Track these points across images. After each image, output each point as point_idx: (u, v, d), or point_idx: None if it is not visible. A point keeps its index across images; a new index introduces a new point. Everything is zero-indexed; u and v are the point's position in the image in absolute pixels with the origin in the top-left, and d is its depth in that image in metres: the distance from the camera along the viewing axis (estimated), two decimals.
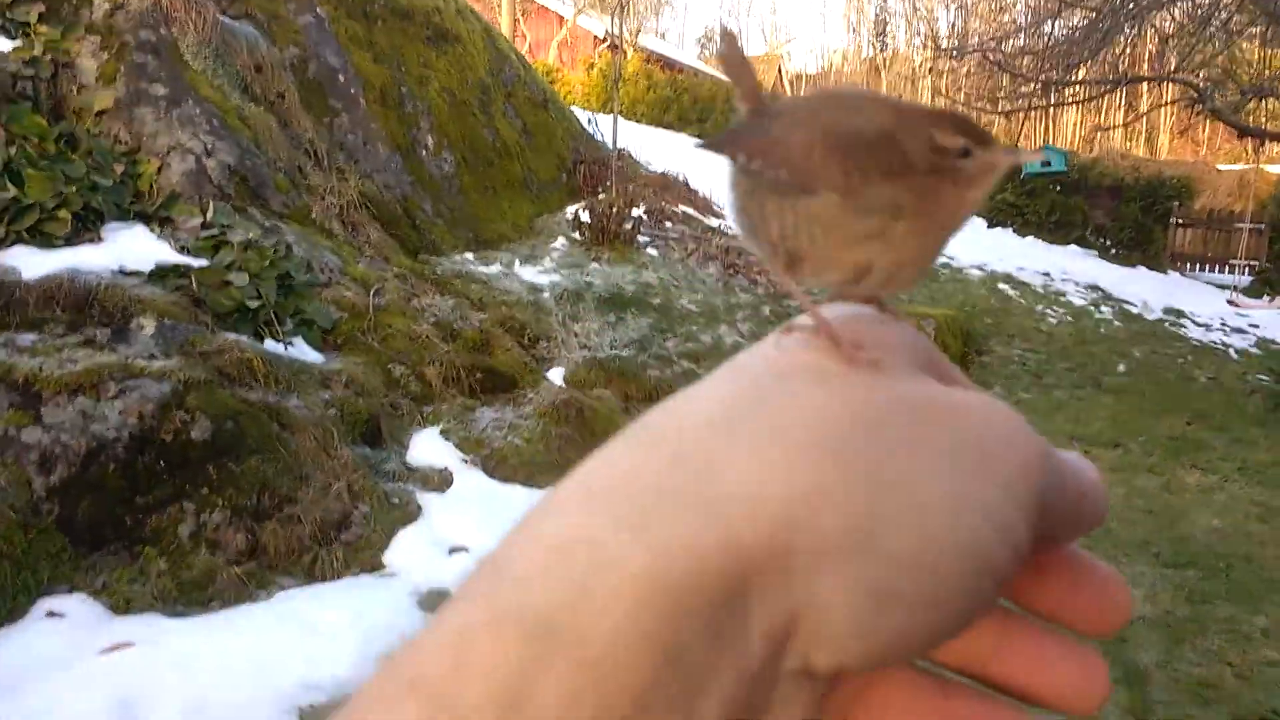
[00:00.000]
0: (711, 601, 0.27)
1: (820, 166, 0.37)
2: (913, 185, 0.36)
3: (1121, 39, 12.16)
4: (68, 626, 3.41)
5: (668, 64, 27.44)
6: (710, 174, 14.19)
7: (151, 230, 5.32)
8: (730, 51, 0.45)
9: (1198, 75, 12.69)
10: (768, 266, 0.42)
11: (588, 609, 0.27)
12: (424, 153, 8.24)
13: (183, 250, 5.24)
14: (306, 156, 6.74)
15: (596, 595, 0.27)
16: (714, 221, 11.93)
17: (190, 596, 3.73)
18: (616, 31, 16.30)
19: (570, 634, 0.26)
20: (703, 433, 0.31)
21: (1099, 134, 21.96)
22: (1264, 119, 14.36)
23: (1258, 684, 3.87)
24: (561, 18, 28.39)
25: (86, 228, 5.11)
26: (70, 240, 4.95)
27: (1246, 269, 16.13)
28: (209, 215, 5.51)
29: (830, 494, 0.29)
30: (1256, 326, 13.04)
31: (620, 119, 11.86)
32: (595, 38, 26.30)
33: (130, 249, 5.08)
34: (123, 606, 3.57)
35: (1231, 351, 11.82)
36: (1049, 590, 0.37)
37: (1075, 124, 23.22)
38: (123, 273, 4.84)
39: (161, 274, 4.93)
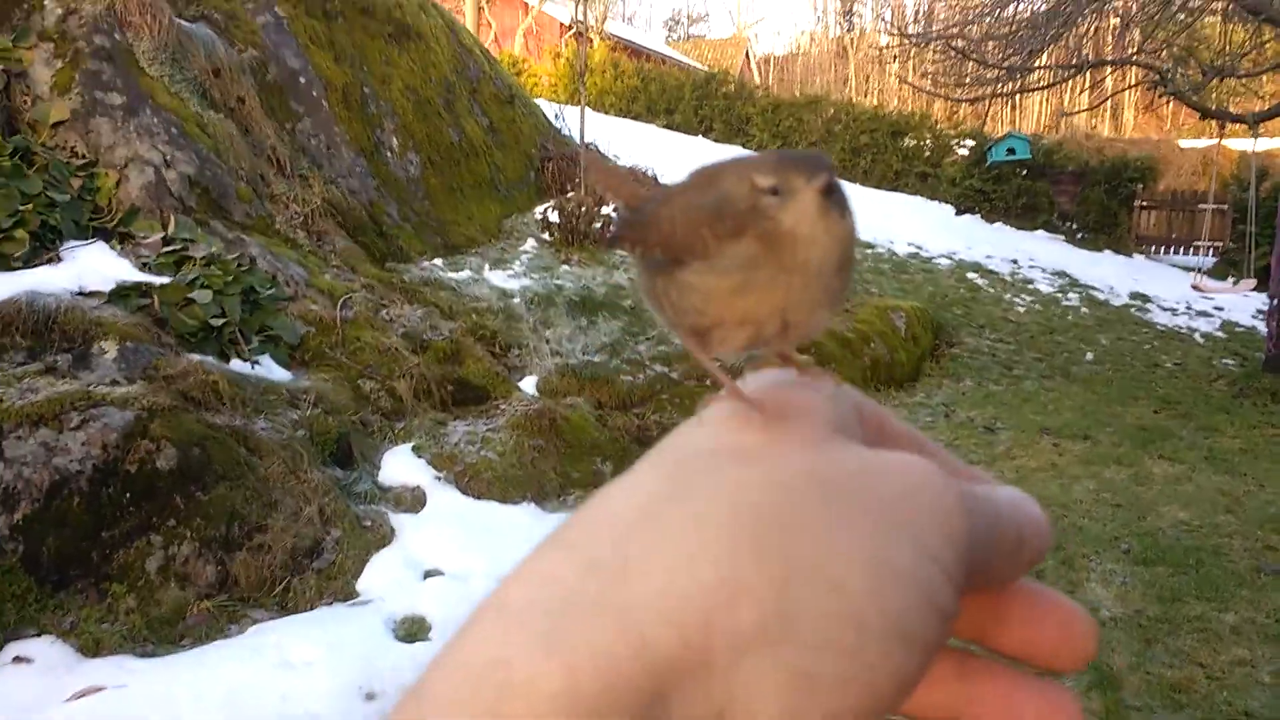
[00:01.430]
0: (630, 713, 0.27)
1: (682, 239, 0.39)
2: (756, 234, 0.37)
3: (1083, 22, 12.23)
4: (36, 671, 3.34)
5: (635, 51, 27.29)
6: (680, 167, 14.16)
7: (112, 247, 5.20)
8: (597, 168, 0.49)
9: (1160, 56, 12.79)
10: (683, 343, 0.44)
11: None
12: (389, 155, 8.12)
13: (144, 267, 5.13)
14: (269, 164, 6.62)
15: None
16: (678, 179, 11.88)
17: (160, 634, 3.67)
18: (582, 19, 16.15)
19: None
20: (620, 531, 0.31)
21: (1064, 118, 22.12)
22: (1225, 97, 14.52)
23: (1228, 685, 3.93)
24: (527, 5, 28.12)
25: (45, 247, 4.99)
26: (28, 261, 4.83)
27: (1210, 250, 16.35)
28: (170, 230, 5.40)
29: (746, 585, 0.29)
30: (1221, 309, 13.24)
31: (588, 111, 11.77)
32: (561, 25, 26.11)
33: (90, 268, 4.96)
34: (92, 648, 3.50)
35: (1197, 336, 12.00)
36: (1011, 630, 0.37)
37: (1040, 106, 23.40)
38: (83, 294, 4.73)
39: (123, 293, 4.82)
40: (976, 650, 0.38)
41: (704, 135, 20.58)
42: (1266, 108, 11.08)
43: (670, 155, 14.70)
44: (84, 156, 5.63)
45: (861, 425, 0.39)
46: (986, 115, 19.93)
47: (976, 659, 0.38)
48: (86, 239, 5.20)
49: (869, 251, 13.38)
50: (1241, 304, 13.50)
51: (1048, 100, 21.76)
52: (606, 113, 19.31)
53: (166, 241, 5.34)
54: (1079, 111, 20.12)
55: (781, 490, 0.32)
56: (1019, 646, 0.37)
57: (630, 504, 0.32)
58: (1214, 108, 12.05)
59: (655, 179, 12.62)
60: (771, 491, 0.32)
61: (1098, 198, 17.59)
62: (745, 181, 0.38)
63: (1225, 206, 16.39)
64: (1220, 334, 12.18)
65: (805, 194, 0.37)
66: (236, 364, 4.95)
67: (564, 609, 0.29)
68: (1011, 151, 16.82)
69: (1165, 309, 13.06)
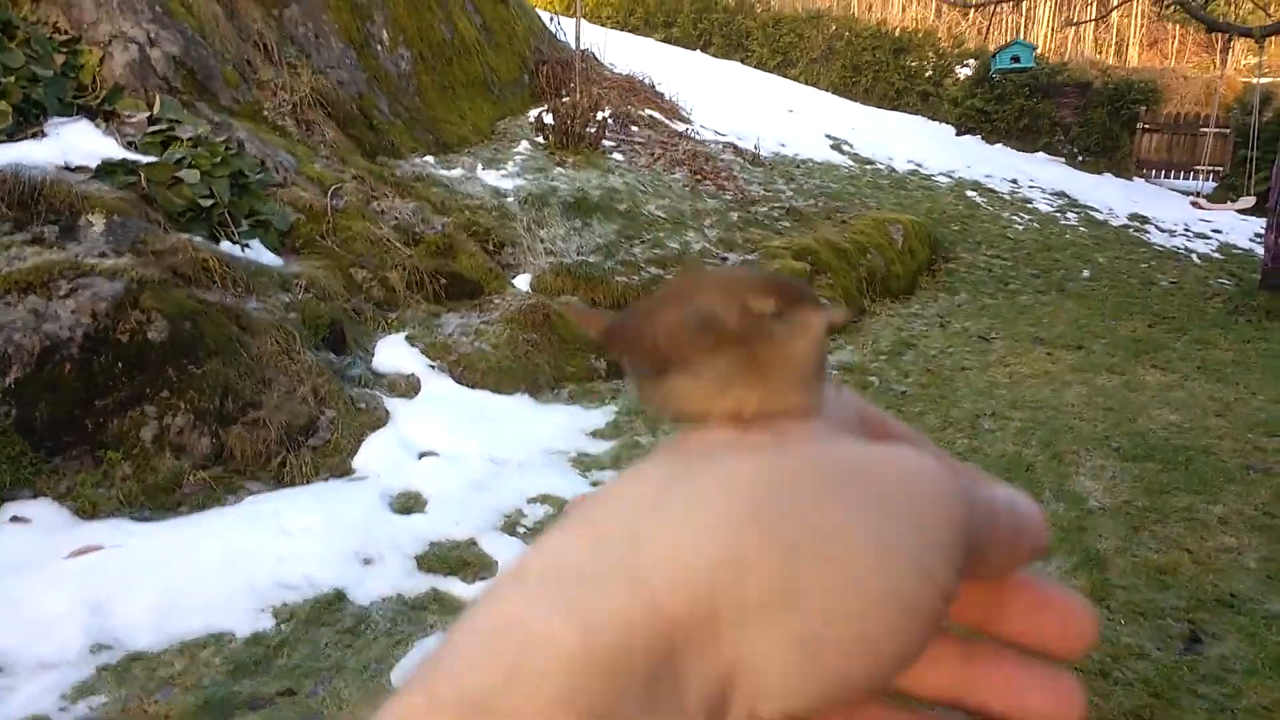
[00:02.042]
0: (642, 671, 0.29)
1: (665, 352, 0.41)
2: (739, 352, 0.39)
3: None
4: (34, 531, 3.35)
5: None
6: (678, 76, 13.87)
7: (96, 125, 5.07)
8: (573, 311, 0.49)
9: None
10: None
11: (519, 690, 0.28)
12: (379, 48, 7.91)
13: (130, 146, 5.01)
14: (256, 49, 6.43)
15: (527, 675, 0.28)
16: (681, 126, 11.70)
17: (157, 500, 3.67)
18: None
19: (504, 715, 0.27)
20: (630, 512, 0.33)
21: (1071, 35, 21.68)
22: (1232, 12, 14.23)
23: (1215, 569, 3.99)
24: None
25: (28, 122, 4.86)
26: (11, 135, 4.71)
27: (1211, 175, 16.20)
28: (155, 109, 5.26)
29: (751, 555, 0.30)
30: (1219, 231, 13.17)
31: (584, 23, 11.47)
32: None
33: (75, 144, 4.84)
34: (89, 510, 3.51)
35: (1194, 256, 11.96)
36: (1012, 620, 0.39)
37: (1046, 22, 22.90)
38: (68, 168, 4.62)
39: (109, 170, 4.71)
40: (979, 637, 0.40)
41: (703, 49, 20.12)
42: (1275, 21, 10.85)
43: (668, 67, 14.39)
44: (66, 32, 5.46)
45: (862, 425, 0.40)
46: (989, 32, 19.53)
47: (981, 643, 0.39)
48: (71, 116, 5.07)
49: (868, 168, 13.22)
50: (1240, 226, 13.42)
51: (1054, 18, 21.28)
52: (603, 25, 18.83)
53: (152, 121, 5.21)
54: (1086, 22, 19.69)
55: (786, 473, 0.33)
56: (1019, 636, 0.39)
57: (641, 488, 0.34)
58: (1221, 20, 11.79)
59: (653, 86, 12.38)
60: (776, 474, 0.33)
61: (1100, 119, 17.34)
62: (735, 303, 0.40)
63: (1227, 131, 16.20)
64: (1217, 255, 12.14)
65: (815, 326, 0.40)
66: (226, 245, 4.88)
67: (579, 578, 0.31)
68: (1016, 60, 16.42)
69: (1163, 230, 12.98)
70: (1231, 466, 5.14)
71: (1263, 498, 4.72)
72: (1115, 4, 14.85)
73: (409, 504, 3.97)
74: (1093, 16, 17.53)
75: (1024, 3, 17.19)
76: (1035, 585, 0.39)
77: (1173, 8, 12.58)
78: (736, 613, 0.30)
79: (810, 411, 0.40)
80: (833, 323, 0.41)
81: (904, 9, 22.06)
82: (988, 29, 18.08)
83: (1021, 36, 20.86)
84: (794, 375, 0.40)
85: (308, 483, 4.04)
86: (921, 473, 0.34)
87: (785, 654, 0.30)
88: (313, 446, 4.22)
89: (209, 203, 4.87)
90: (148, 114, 5.15)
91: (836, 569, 0.31)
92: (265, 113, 6.11)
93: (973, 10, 14.77)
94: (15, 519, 3.38)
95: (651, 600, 0.30)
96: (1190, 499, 4.69)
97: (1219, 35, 20.01)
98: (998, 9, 12.88)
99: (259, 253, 5.09)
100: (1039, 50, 18.33)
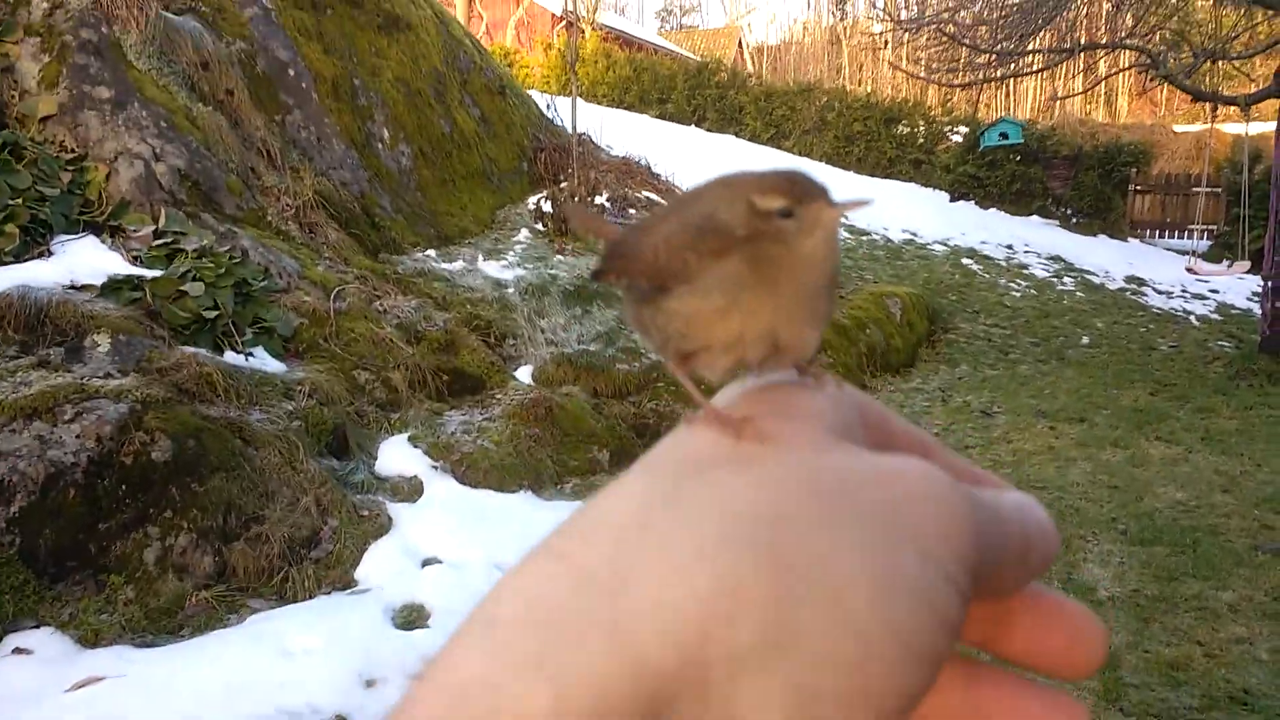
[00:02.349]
0: None
1: (665, 264, 0.38)
2: (743, 255, 0.37)
3: (1074, 6, 12.20)
4: (36, 662, 3.34)
5: (627, 41, 27.21)
6: (673, 156, 14.13)
7: (102, 241, 5.18)
8: (578, 214, 0.50)
9: (1152, 38, 12.78)
10: (670, 368, 0.43)
11: None
12: (380, 146, 8.09)
13: (135, 260, 5.11)
14: (259, 156, 6.59)
15: None
16: (661, 204, 11.85)
17: (159, 624, 3.66)
18: (573, 9, 16.09)
19: None
20: (613, 541, 0.30)
21: (1057, 101, 22.09)
22: (1218, 80, 14.51)
23: (1227, 663, 3.94)
24: None
25: (35, 241, 4.97)
26: (19, 256, 4.81)
27: (1205, 234, 16.36)
28: (161, 223, 5.37)
29: (744, 596, 0.28)
30: (1216, 292, 13.25)
31: (580, 101, 11.72)
32: (553, 16, 26.01)
33: (81, 261, 4.94)
34: (91, 638, 3.50)
35: (1193, 318, 12.01)
36: (1019, 636, 0.37)
37: (1034, 91, 23.36)
38: (74, 287, 4.70)
39: (115, 287, 4.80)
40: (983, 658, 0.38)
41: (697, 125, 20.53)
42: (1258, 89, 11.06)
43: (663, 144, 14.66)
44: (73, 150, 5.60)
45: (865, 427, 0.38)
46: (979, 101, 19.91)
47: (984, 666, 0.37)
48: (77, 233, 5.18)
49: (864, 239, 13.37)
50: (1236, 286, 13.51)
51: (1041, 86, 21.74)
52: (599, 103, 19.25)
53: (157, 235, 5.32)
54: (1072, 95, 20.11)
55: (780, 496, 0.31)
56: (1027, 653, 0.37)
57: (623, 512, 0.31)
58: (1206, 90, 12.03)
59: (649, 168, 12.61)
60: (770, 497, 0.30)
61: (1091, 182, 17.58)
62: (739, 202, 0.37)
63: (1219, 190, 16.40)
64: (1216, 316, 12.19)
65: (828, 216, 0.37)
66: (230, 356, 4.93)
67: (554, 626, 0.28)
68: (1004, 136, 16.79)
69: (1160, 292, 13.07)
70: (1239, 548, 5.10)
71: (1272, 581, 4.68)
72: (1101, 78, 15.18)
73: (412, 617, 3.95)
74: (1078, 90, 17.89)
75: (1009, 80, 17.55)
76: (1040, 599, 0.37)
77: (1158, 82, 12.84)
78: (729, 662, 0.27)
79: (813, 344, 0.38)
80: (848, 209, 0.38)
81: (892, 84, 22.53)
82: (977, 99, 18.42)
83: (1011, 104, 21.30)
84: (802, 284, 0.37)
85: (310, 597, 4.03)
86: (926, 491, 0.32)
87: (781, 707, 0.27)
88: (315, 559, 4.22)
89: (213, 314, 4.95)
90: (153, 228, 5.27)
91: (834, 607, 0.28)
92: (269, 218, 6.23)
93: (958, 92, 15.09)
94: (18, 650, 3.37)
95: (635, 653, 0.27)
96: (1199, 585, 4.65)
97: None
98: (984, 86, 13.18)
99: (263, 360, 5.15)
100: (1028, 115, 18.67)
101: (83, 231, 5.19)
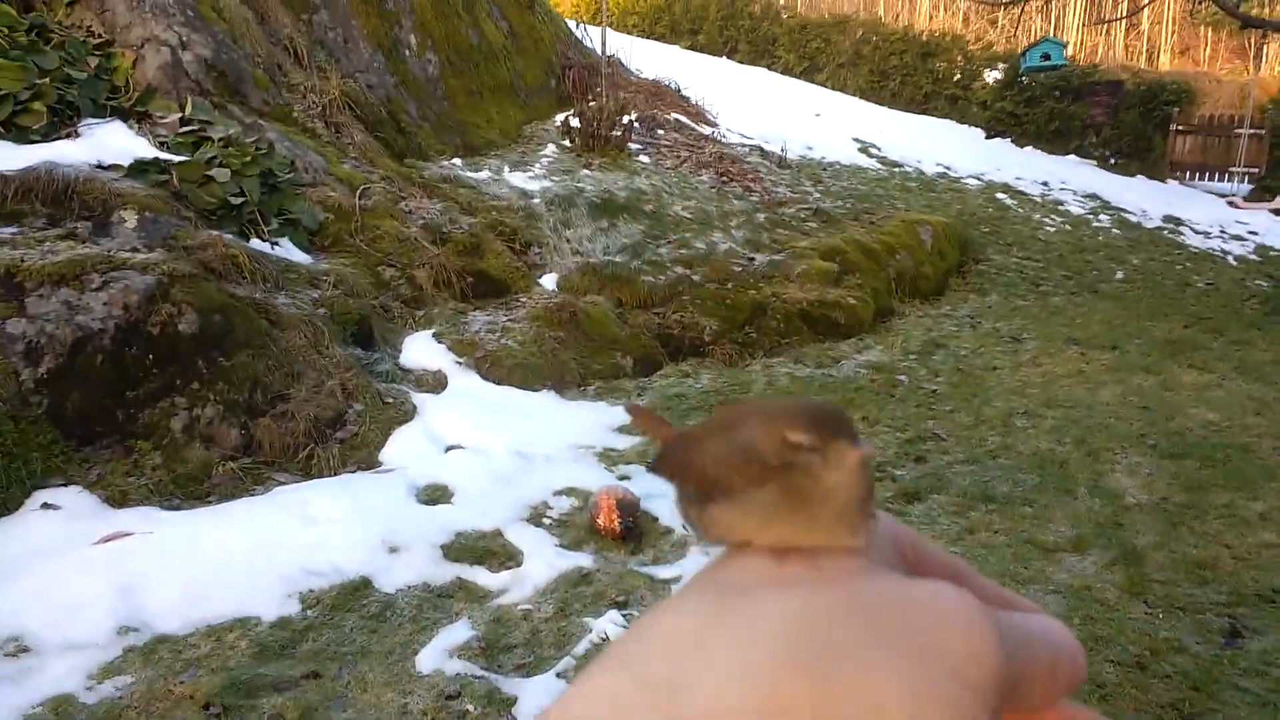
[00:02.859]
0: None
1: (712, 478, 0.42)
2: (779, 484, 0.40)
3: None
4: (64, 517, 3.38)
5: None
6: (704, 81, 13.88)
7: (129, 126, 5.15)
8: (642, 418, 0.56)
9: None
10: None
11: None
12: (407, 53, 7.97)
13: (162, 146, 5.08)
14: (285, 53, 6.51)
15: None
16: (707, 129, 11.69)
17: (186, 490, 3.70)
18: None
19: None
20: (672, 652, 0.33)
21: (1101, 40, 21.45)
22: (1266, 12, 14.00)
23: (1256, 565, 3.89)
24: None
25: (63, 122, 4.94)
26: (46, 135, 4.79)
27: (1246, 177, 15.94)
28: (187, 111, 5.33)
29: (791, 704, 0.30)
30: (1255, 234, 12.94)
31: (610, 31, 11.51)
32: None
33: (108, 144, 4.92)
34: (119, 499, 3.54)
35: (1230, 258, 11.75)
36: None
37: (1075, 28, 22.65)
38: (101, 167, 4.68)
39: (141, 169, 4.78)
40: None
41: (729, 56, 20.13)
42: None
43: (694, 74, 14.40)
44: (100, 36, 5.55)
45: (898, 555, 0.41)
46: (1019, 25, 19.35)
47: None
48: (104, 118, 5.15)
49: (896, 170, 13.13)
50: (1276, 228, 13.18)
51: (1085, 15, 21.03)
52: (630, 33, 18.90)
53: (184, 122, 5.28)
54: (1116, 19, 19.47)
55: (823, 615, 0.33)
56: None
57: (680, 626, 0.34)
58: (1254, 16, 11.61)
59: (679, 91, 12.39)
60: (814, 616, 0.33)
61: (1132, 121, 17.11)
62: (774, 435, 0.40)
63: (1263, 131, 15.93)
64: (1254, 257, 11.92)
65: (850, 459, 0.40)
66: (256, 243, 4.92)
67: None
68: (1046, 57, 16.17)
69: (1199, 232, 12.78)
70: (1272, 464, 5.02)
71: None
72: (1145, 1, 14.64)
73: (435, 495, 3.97)
74: (1123, 14, 17.32)
75: (1051, 5, 16.97)
76: (1068, 716, 0.39)
77: (1206, 5, 12.39)
78: None
79: (855, 550, 0.40)
80: (868, 456, 0.40)
81: (930, 16, 21.93)
82: (1016, 31, 17.91)
83: (1053, 32, 20.63)
84: (834, 509, 0.40)
85: (335, 474, 4.05)
86: (958, 615, 0.34)
87: None
88: (340, 439, 4.24)
89: (239, 201, 4.92)
90: (179, 115, 5.22)
91: (875, 718, 0.31)
92: (295, 115, 6.17)
93: (1001, 13, 14.62)
94: (46, 505, 3.42)
95: None
96: (1230, 495, 4.58)
97: (1252, 39, 19.70)
98: (1025, 11, 12.75)
99: (288, 250, 5.13)
100: (1070, 53, 18.12)
101: (110, 116, 5.16)
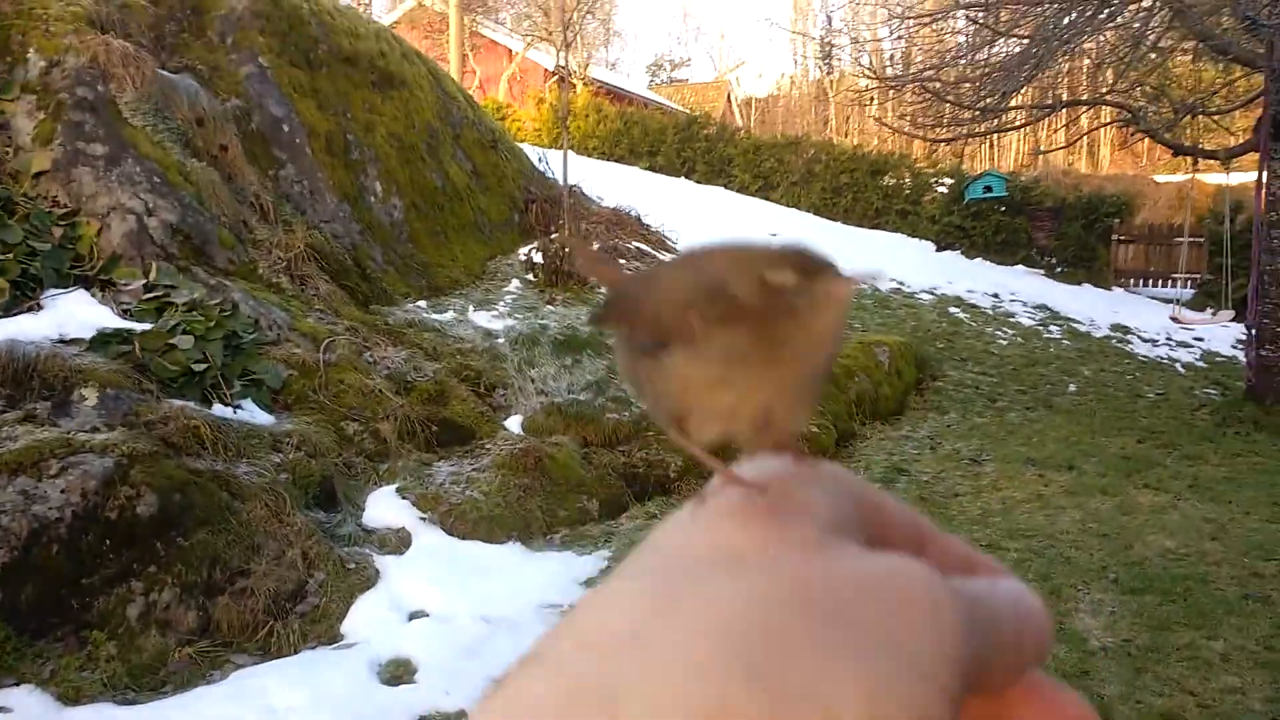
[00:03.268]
0: None
1: (668, 322, 0.38)
2: (750, 328, 0.36)
3: (1055, 64, 12.47)
4: None
5: (618, 95, 27.65)
6: (663, 207, 14.30)
7: (92, 295, 5.20)
8: (582, 253, 0.49)
9: (1132, 95, 13.05)
10: (662, 427, 0.42)
11: None
12: (372, 200, 8.18)
13: (125, 314, 5.13)
14: (252, 210, 6.65)
15: None
16: (667, 257, 11.99)
17: (141, 681, 3.61)
18: (565, 64, 16.37)
19: None
20: (605, 651, 0.30)
21: (1040, 156, 22.48)
22: (1199, 133, 14.79)
23: (1220, 713, 3.91)
24: (511, 52, 28.50)
25: (25, 295, 4.99)
26: (8, 310, 4.82)
27: (1189, 282, 16.55)
28: (151, 276, 5.40)
29: (736, 711, 0.28)
30: (1201, 340, 13.37)
31: (571, 154, 11.90)
32: (545, 70, 26.43)
33: (71, 315, 4.96)
34: (72, 696, 3.45)
35: (1178, 366, 12.10)
36: None
37: (1018, 144, 23.79)
38: (63, 341, 4.72)
39: (104, 340, 4.81)
40: None
41: (686, 176, 20.79)
42: (1239, 143, 11.30)
43: (653, 196, 14.85)
44: (66, 206, 5.65)
45: (859, 516, 0.38)
46: (964, 154, 20.24)
47: None
48: (67, 287, 5.20)
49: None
50: (1221, 334, 13.63)
51: (1025, 139, 22.15)
52: (590, 156, 19.50)
53: (148, 288, 5.35)
54: (1055, 150, 20.49)
55: (773, 608, 0.31)
56: None
57: (616, 620, 0.31)
58: (1187, 144, 12.28)
59: (639, 219, 12.75)
60: (762, 610, 0.31)
61: (1075, 233, 17.83)
62: (751, 274, 0.37)
63: (1201, 239, 16.62)
64: (1201, 364, 12.29)
65: (841, 290, 0.37)
66: (219, 409, 4.93)
67: None
68: (989, 189, 17.09)
69: (1146, 340, 13.18)
70: (1230, 596, 5.09)
71: (1263, 629, 4.67)
72: (1083, 133, 15.48)
73: (398, 673, 3.91)
74: (1061, 144, 18.24)
75: (993, 134, 17.87)
76: (1036, 688, 0.37)
77: (1140, 136, 13.10)
78: None
79: (804, 423, 0.37)
80: (860, 283, 0.37)
81: (878, 136, 22.92)
82: (962, 151, 18.74)
83: (995, 155, 21.68)
84: (811, 360, 0.37)
85: (295, 652, 3.98)
86: (920, 600, 0.32)
87: None
88: (300, 613, 4.18)
89: (203, 367, 4.96)
90: (143, 282, 5.30)
91: None
92: (260, 271, 6.28)
93: (942, 144, 15.36)
94: None
95: None
96: (1191, 634, 4.63)
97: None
98: (967, 140, 13.42)
99: (251, 412, 5.15)
100: (1012, 168, 18.99)
101: (73, 285, 5.21)
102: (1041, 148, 20.45)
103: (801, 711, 0.28)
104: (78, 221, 5.51)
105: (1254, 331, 9.19)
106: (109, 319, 4.99)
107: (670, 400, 0.39)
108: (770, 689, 0.28)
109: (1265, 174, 9.07)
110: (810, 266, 0.37)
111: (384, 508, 5.24)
